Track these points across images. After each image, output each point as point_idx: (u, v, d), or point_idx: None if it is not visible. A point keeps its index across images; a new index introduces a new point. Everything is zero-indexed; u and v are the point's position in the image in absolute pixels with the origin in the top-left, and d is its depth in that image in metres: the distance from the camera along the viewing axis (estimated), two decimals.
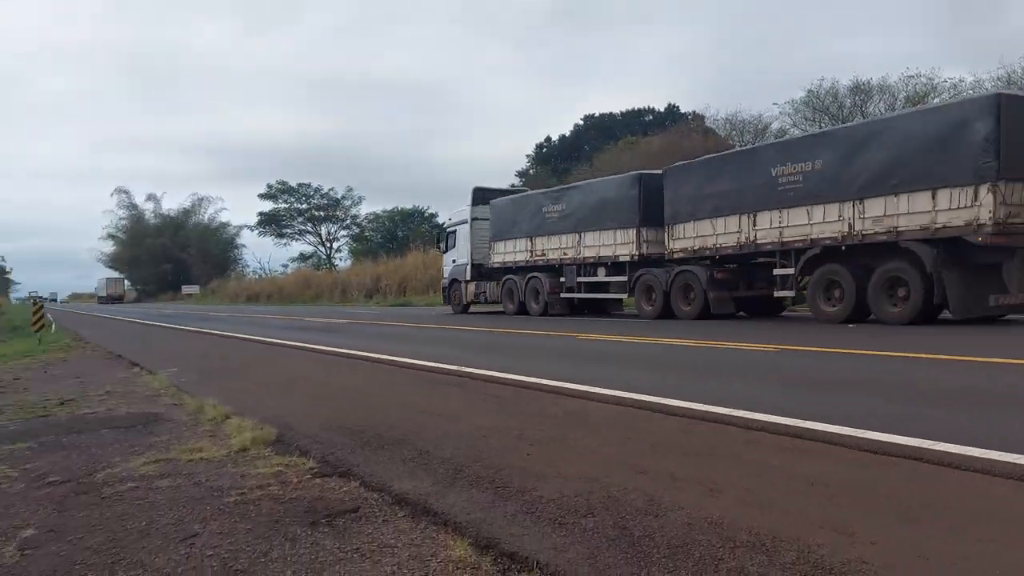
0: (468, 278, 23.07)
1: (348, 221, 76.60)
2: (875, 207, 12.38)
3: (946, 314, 12.25)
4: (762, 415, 5.01)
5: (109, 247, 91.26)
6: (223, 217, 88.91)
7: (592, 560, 2.84)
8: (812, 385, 6.72)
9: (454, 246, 24.13)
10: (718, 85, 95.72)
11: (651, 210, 16.76)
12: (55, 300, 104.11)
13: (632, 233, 17.24)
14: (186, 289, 76.37)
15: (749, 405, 5.35)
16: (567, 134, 67.05)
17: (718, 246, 15.34)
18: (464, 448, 4.66)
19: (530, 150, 69.56)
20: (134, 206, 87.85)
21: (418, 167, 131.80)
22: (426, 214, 66.92)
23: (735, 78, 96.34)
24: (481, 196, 23.20)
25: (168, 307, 56.11)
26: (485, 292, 22.79)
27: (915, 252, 11.79)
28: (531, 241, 20.45)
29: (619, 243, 17.59)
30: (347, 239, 76.63)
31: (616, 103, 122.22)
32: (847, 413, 5.00)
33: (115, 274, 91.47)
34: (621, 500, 3.47)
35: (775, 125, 34.46)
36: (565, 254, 19.26)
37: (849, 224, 12.78)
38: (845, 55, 69.25)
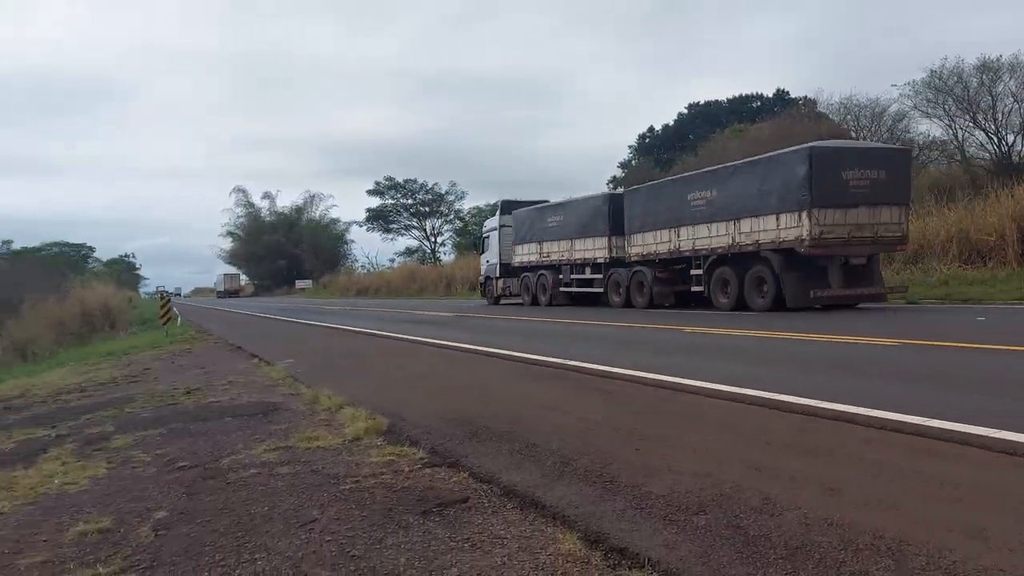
0: (497, 275, 27.29)
1: (452, 216, 78.01)
2: (745, 226, 16.31)
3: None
4: (884, 412, 4.75)
5: (228, 244, 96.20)
6: (333, 214, 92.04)
7: (705, 558, 2.77)
8: (936, 380, 6.34)
9: (487, 249, 28.60)
10: (831, 68, 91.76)
11: (618, 222, 20.89)
12: (179, 294, 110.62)
13: (605, 240, 21.33)
14: (300, 284, 79.56)
15: (869, 402, 5.09)
16: (671, 123, 65.80)
17: (657, 252, 19.33)
18: (571, 441, 4.65)
19: (633, 141, 68.76)
20: (251, 204, 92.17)
21: (520, 160, 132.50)
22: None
23: (849, 60, 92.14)
24: (507, 207, 27.75)
25: (283, 301, 58.63)
26: (510, 287, 26.92)
27: (769, 259, 15.65)
28: (540, 245, 24.62)
29: (597, 248, 21.76)
30: (451, 233, 78.03)
31: (722, 90, 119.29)
32: (979, 410, 4.69)
33: (232, 270, 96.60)
34: (735, 498, 3.38)
35: (893, 108, 32.60)
36: (563, 256, 23.34)
37: (732, 238, 16.72)
38: (970, 31, 64.75)
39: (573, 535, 3.13)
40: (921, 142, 33.15)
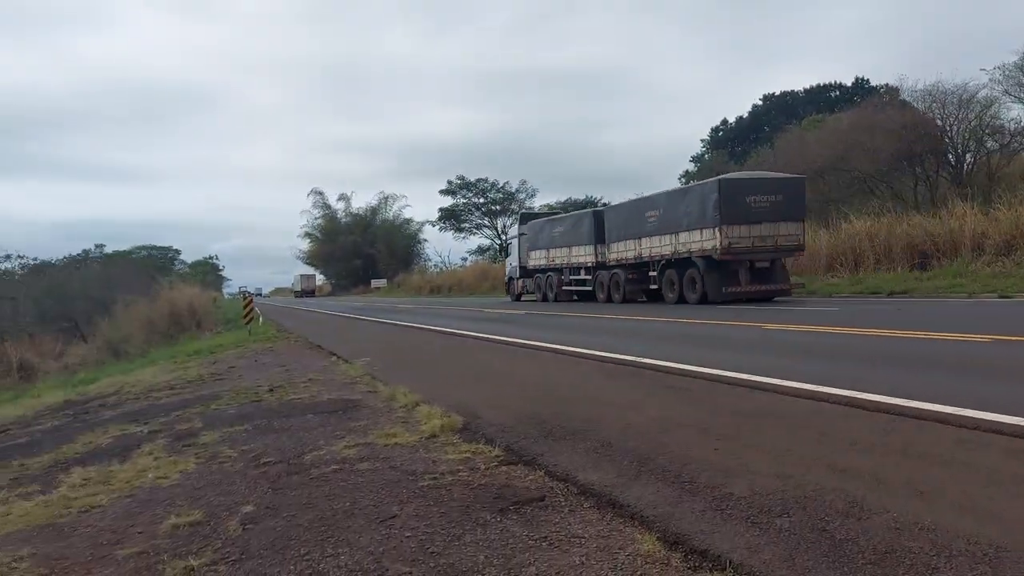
0: (517, 276, 32.53)
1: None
2: (682, 238, 20.68)
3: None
4: (976, 412, 4.55)
5: (306, 245, 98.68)
6: (407, 214, 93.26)
7: (790, 562, 2.71)
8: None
9: (510, 254, 34.72)
10: (915, 54, 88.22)
11: (601, 234, 25.21)
12: (260, 294, 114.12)
13: (592, 248, 25.67)
14: (375, 283, 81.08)
15: (957, 400, 4.87)
16: (745, 116, 64.42)
17: (627, 258, 23.61)
18: (647, 440, 4.60)
19: (705, 134, 67.58)
20: (327, 206, 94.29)
21: (591, 156, 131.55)
22: (598, 204, 66.85)
23: (935, 45, 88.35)
24: (524, 218, 34.44)
25: (358, 300, 59.87)
26: (527, 286, 31.63)
27: (697, 263, 19.96)
28: (548, 251, 29.02)
29: (587, 254, 26.08)
30: None
31: (798, 81, 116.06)
32: None
33: (308, 270, 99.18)
34: (818, 500, 3.28)
35: (982, 94, 30.97)
36: (564, 261, 27.84)
37: (674, 247, 21.10)
38: None
39: (652, 536, 3.10)
40: (1012, 129, 31.54)
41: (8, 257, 46.19)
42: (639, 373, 7.46)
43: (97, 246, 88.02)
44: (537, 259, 29.84)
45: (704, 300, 19.44)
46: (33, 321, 38.99)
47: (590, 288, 26.01)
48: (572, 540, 3.16)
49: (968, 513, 3.02)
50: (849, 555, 2.72)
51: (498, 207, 78.50)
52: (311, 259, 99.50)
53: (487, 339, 12.72)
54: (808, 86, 62.43)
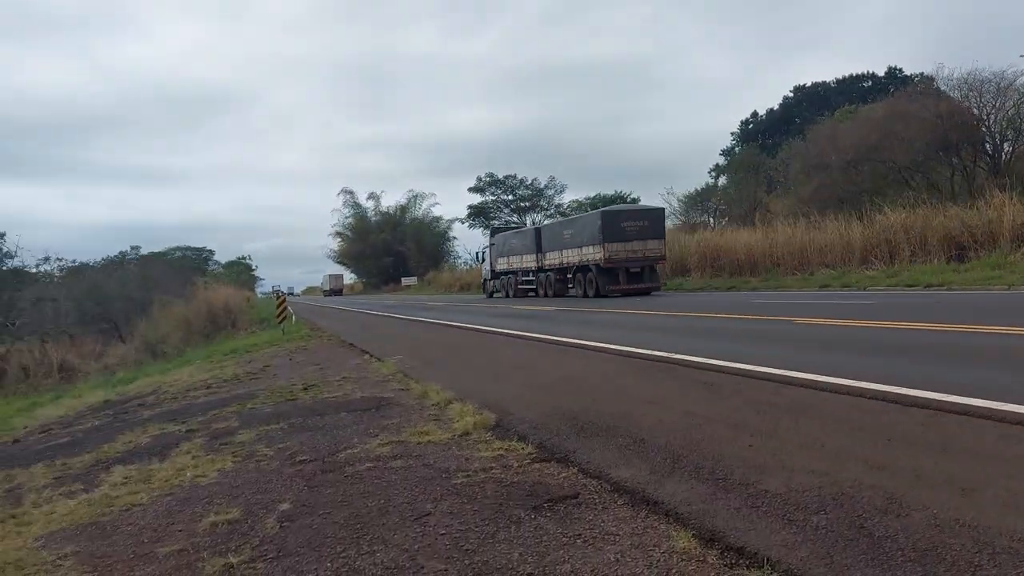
0: (490, 278, 39.81)
1: (552, 210, 77.97)
2: (584, 250, 27.69)
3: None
4: (1020, 407, 4.45)
5: (337, 244, 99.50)
6: (436, 211, 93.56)
7: (827, 560, 2.68)
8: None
9: (484, 260, 41.50)
10: (949, 42, 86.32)
11: (540, 245, 32.58)
12: (292, 293, 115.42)
13: (535, 256, 32.91)
14: (405, 281, 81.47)
15: (999, 395, 4.78)
16: (775, 108, 63.66)
17: (555, 264, 30.92)
18: (680, 436, 4.58)
19: (735, 127, 66.88)
20: (358, 205, 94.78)
21: (620, 151, 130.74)
22: (628, 199, 66.47)
23: (969, 32, 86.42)
24: (494, 232, 42.42)
25: (390, 298, 60.21)
26: (496, 286, 38.70)
27: (592, 269, 27.16)
28: (508, 258, 36.43)
29: (532, 261, 33.26)
30: None
31: (829, 71, 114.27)
32: None
33: (337, 270, 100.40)
34: (856, 497, 3.24)
35: (1021, 81, 30.14)
36: (519, 265, 35.01)
37: (579, 257, 28.20)
38: None
39: (687, 533, 3.08)
40: None
41: (47, 259, 47.10)
42: (671, 369, 7.41)
43: (133, 248, 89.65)
44: (502, 264, 37.42)
45: (598, 294, 26.86)
46: (73, 323, 39.81)
47: (534, 287, 33.43)
48: (606, 537, 3.15)
49: (1011, 510, 2.96)
50: (888, 553, 2.68)
51: (527, 203, 78.45)
52: (342, 258, 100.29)
53: (515, 335, 12.72)
54: (840, 76, 61.60)
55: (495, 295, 38.89)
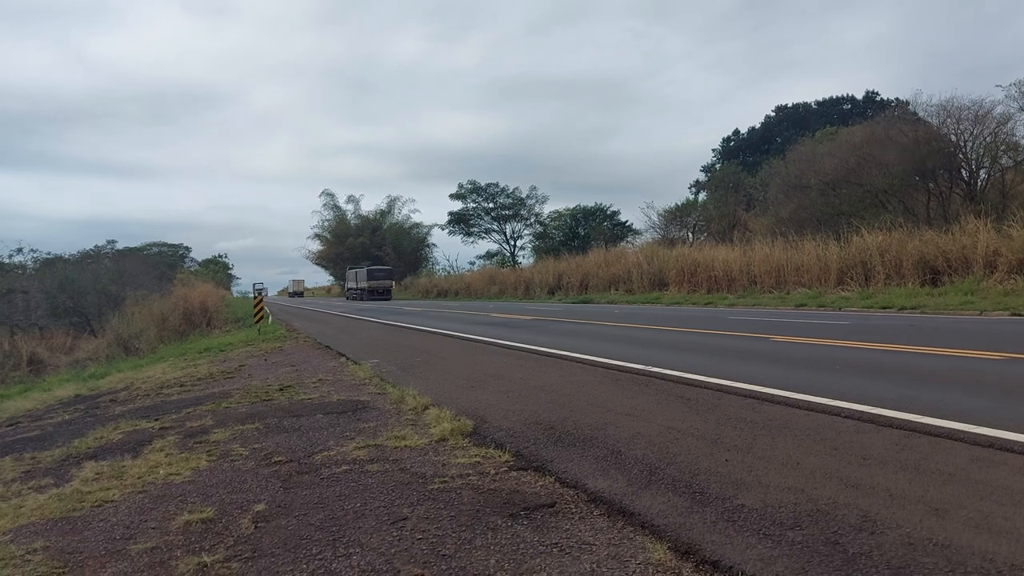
0: (349, 289, 71.58)
1: (532, 220, 78.16)
2: (361, 281, 68.43)
3: None
4: (991, 430, 4.53)
5: (316, 246, 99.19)
6: (416, 217, 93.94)
7: (803, 575, 2.70)
8: None
9: (348, 280, 73.01)
10: (929, 69, 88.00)
11: (364, 276, 66.31)
12: (265, 293, 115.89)
13: (356, 281, 68.50)
14: None
15: (970, 417, 4.86)
16: (757, 126, 64.43)
17: (363, 287, 65.57)
18: (657, 449, 4.60)
19: (716, 144, 67.54)
20: (338, 207, 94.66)
21: (601, 164, 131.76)
22: (608, 211, 66.84)
23: (949, 60, 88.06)
24: (353, 265, 74.03)
25: (365, 302, 60.08)
26: (352, 295, 68.88)
27: (365, 289, 67.40)
28: (356, 281, 68.28)
29: (358, 283, 67.29)
30: (530, 237, 78.25)
31: (810, 92, 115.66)
32: None
33: (314, 272, 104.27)
34: (831, 514, 3.28)
35: (998, 110, 30.77)
36: (355, 285, 68.68)
37: (363, 284, 67.76)
38: None
39: (663, 545, 3.10)
40: None
41: (20, 250, 46.44)
42: (649, 382, 7.45)
43: (109, 242, 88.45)
44: (352, 283, 69.67)
45: (367, 300, 59.18)
46: (44, 315, 39.21)
47: (360, 297, 63.50)
48: (583, 547, 3.16)
49: (983, 530, 3.01)
50: (863, 569, 2.71)
51: (508, 212, 78.54)
52: (320, 260, 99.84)
53: (493, 343, 12.73)
54: (821, 98, 62.49)
55: (351, 299, 68.46)
